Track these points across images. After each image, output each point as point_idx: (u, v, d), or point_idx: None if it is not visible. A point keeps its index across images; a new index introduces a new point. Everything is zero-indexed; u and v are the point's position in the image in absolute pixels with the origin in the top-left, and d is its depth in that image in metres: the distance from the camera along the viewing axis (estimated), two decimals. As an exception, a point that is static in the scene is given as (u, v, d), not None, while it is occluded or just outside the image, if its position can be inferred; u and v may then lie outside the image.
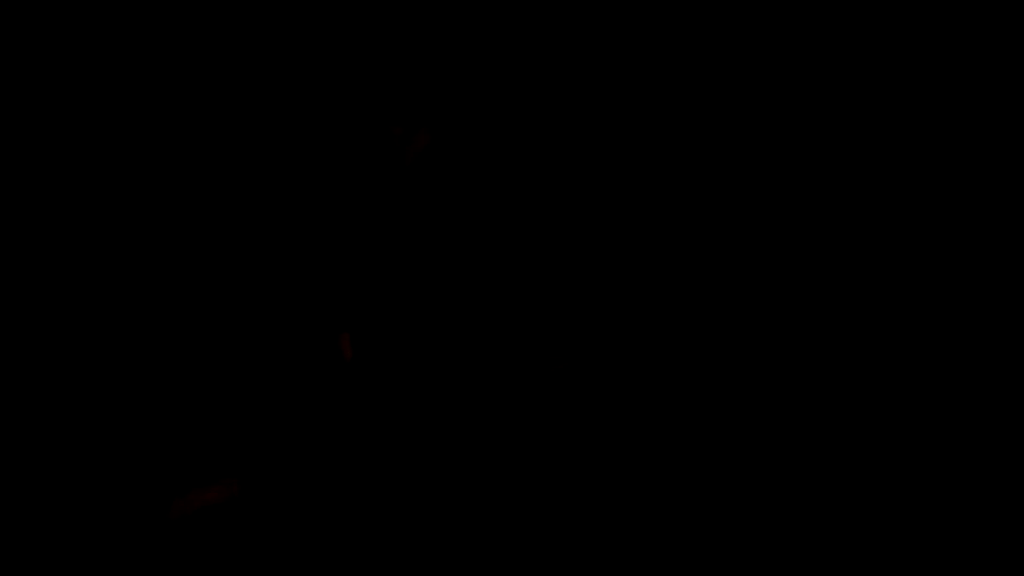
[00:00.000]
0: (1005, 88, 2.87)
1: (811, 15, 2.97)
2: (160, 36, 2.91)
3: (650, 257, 2.99)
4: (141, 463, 2.70)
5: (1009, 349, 2.76)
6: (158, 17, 2.89)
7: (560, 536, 2.72)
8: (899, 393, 2.80)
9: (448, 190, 3.03)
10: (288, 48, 2.98)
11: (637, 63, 3.05)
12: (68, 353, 2.73)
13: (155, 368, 2.77)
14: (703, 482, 2.78)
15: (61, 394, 2.70)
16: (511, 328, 2.97)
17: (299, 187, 2.95)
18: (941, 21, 2.90)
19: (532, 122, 3.06)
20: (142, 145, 2.88)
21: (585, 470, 2.82)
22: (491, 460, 2.84)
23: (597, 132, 3.06)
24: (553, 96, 3.06)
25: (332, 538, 2.71)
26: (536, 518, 2.75)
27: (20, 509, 2.57)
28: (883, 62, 2.95)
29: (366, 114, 3.02)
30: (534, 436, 2.87)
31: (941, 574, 2.59)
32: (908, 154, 2.91)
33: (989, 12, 2.87)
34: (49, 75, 2.81)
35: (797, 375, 2.86)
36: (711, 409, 2.85)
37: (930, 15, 2.91)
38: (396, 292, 2.96)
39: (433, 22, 3.04)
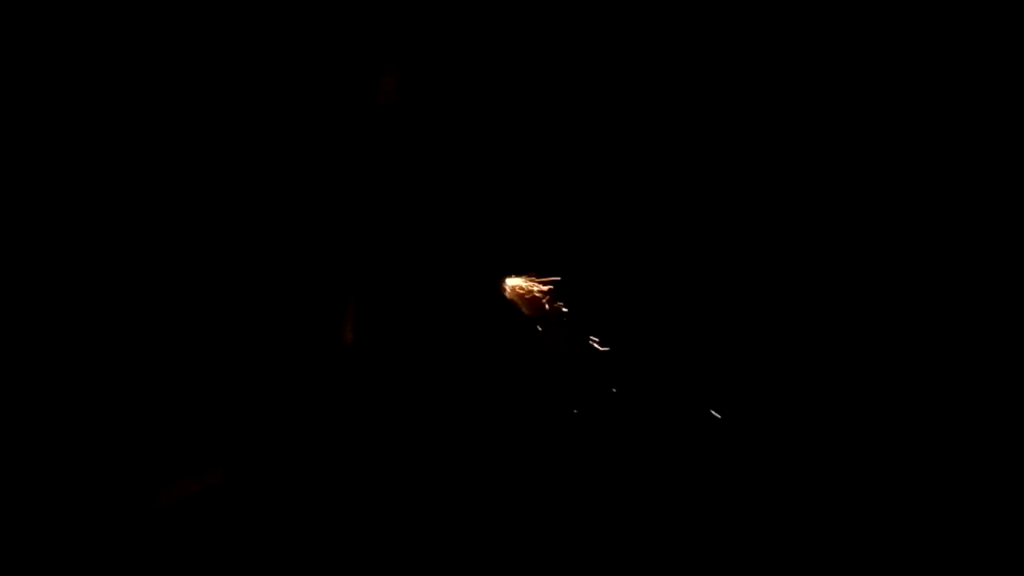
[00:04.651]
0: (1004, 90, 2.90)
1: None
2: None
3: (642, 252, 2.97)
4: (129, 453, 2.65)
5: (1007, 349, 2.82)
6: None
7: (552, 529, 2.72)
8: (897, 392, 2.85)
9: (419, 137, 2.93)
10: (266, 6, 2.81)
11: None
12: (59, 346, 2.67)
13: (145, 359, 2.71)
14: (697, 481, 2.80)
15: (50, 386, 2.64)
16: (506, 326, 2.92)
17: (296, 167, 2.83)
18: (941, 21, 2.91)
19: (503, 75, 2.96)
20: (125, 120, 2.75)
21: (578, 467, 2.81)
22: (487, 452, 2.81)
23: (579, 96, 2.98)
24: (525, 46, 2.97)
25: (319, 526, 2.68)
26: (529, 510, 2.74)
27: (9, 498, 2.54)
28: (882, 63, 2.94)
29: (340, 63, 2.87)
30: (529, 429, 2.85)
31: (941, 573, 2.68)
32: (907, 156, 2.93)
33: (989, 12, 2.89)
34: (43, 71, 2.72)
35: (783, 374, 2.89)
36: (706, 410, 2.86)
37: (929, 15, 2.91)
38: (395, 275, 2.88)
39: None
